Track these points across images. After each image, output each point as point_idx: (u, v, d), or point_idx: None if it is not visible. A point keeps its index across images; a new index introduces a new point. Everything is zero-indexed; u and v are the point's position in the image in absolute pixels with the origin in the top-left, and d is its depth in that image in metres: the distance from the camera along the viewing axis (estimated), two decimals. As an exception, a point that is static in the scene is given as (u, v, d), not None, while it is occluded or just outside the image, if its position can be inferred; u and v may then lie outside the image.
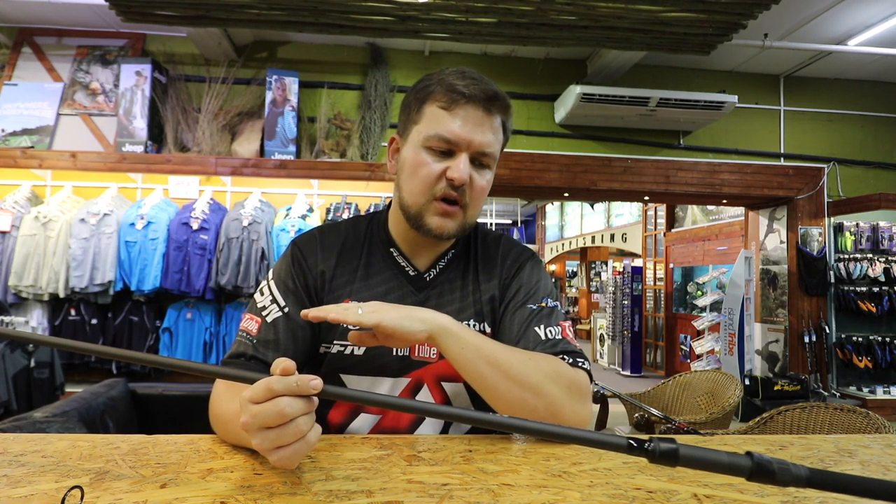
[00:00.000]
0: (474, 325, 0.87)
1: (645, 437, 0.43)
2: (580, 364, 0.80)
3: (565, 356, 0.80)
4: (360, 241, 0.92)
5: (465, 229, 0.85)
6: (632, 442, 0.43)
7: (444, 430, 0.84)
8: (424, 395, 0.84)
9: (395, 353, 0.84)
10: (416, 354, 0.85)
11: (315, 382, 0.50)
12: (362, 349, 0.84)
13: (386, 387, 0.84)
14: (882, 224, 5.07)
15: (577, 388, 0.75)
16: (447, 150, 0.80)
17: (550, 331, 0.83)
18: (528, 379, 0.71)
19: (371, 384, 0.84)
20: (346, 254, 0.90)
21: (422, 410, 0.50)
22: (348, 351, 0.84)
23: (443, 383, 0.85)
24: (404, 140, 0.87)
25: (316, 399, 0.51)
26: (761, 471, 0.39)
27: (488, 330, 0.88)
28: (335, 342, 0.85)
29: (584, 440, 0.45)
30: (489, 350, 0.71)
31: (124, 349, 0.54)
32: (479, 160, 0.82)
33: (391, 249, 0.91)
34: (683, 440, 0.46)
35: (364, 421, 0.84)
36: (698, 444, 0.42)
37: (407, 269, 0.89)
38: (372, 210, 2.54)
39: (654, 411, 2.13)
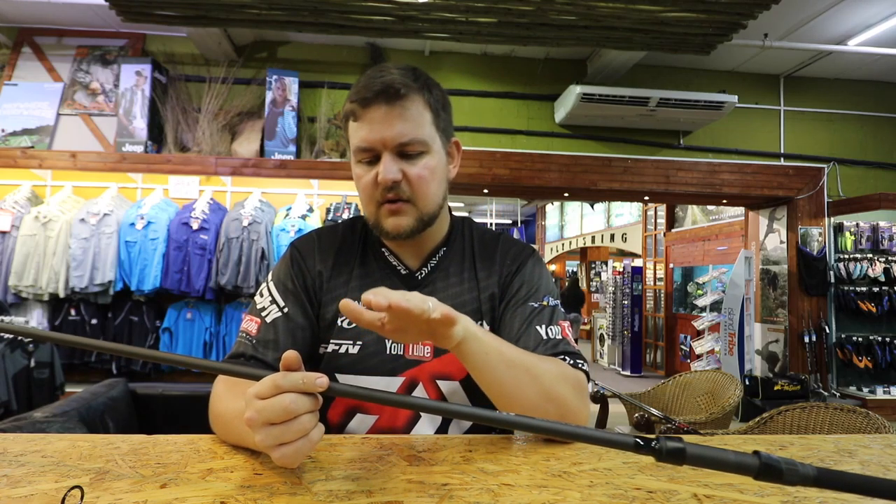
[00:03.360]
0: None
1: (652, 436, 0.43)
2: (579, 365, 0.80)
3: (566, 357, 0.80)
4: (355, 241, 0.93)
5: (424, 221, 0.84)
6: (638, 441, 0.43)
7: (442, 430, 0.84)
8: (420, 394, 0.84)
9: (388, 352, 0.84)
10: (410, 353, 0.85)
11: (321, 380, 0.50)
12: (356, 348, 0.84)
13: (380, 386, 0.83)
14: (882, 224, 5.07)
15: (580, 388, 0.76)
16: (371, 157, 0.81)
17: (552, 330, 0.83)
18: (542, 381, 0.71)
19: (365, 384, 0.84)
20: (342, 255, 0.90)
21: (431, 409, 0.50)
22: (342, 350, 0.84)
23: (438, 382, 0.85)
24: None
25: (321, 397, 0.52)
26: (769, 470, 0.39)
27: (487, 328, 0.87)
28: (331, 341, 0.85)
29: (592, 438, 0.45)
30: (508, 353, 0.70)
31: (131, 347, 0.54)
32: (404, 151, 0.81)
33: (383, 249, 0.91)
34: (686, 440, 0.46)
35: (361, 421, 0.84)
36: (703, 444, 0.42)
37: (399, 268, 0.90)
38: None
39: (654, 411, 2.13)
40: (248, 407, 0.50)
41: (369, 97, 0.79)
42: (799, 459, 0.63)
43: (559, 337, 0.82)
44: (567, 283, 10.20)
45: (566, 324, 0.86)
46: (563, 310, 0.89)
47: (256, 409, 0.49)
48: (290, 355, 0.52)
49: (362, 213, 0.89)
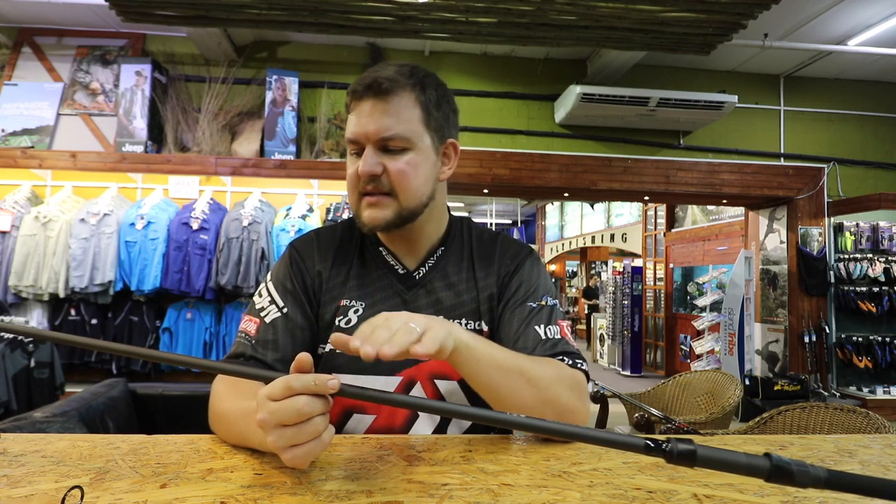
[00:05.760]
0: (468, 325, 0.87)
1: (662, 437, 0.43)
2: (578, 365, 0.80)
3: (564, 357, 0.80)
4: (353, 241, 0.92)
5: (404, 216, 0.84)
6: (649, 443, 0.43)
7: (440, 430, 0.84)
8: (418, 393, 0.84)
9: None
10: None
11: (333, 382, 0.50)
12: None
13: (378, 385, 0.83)
14: (882, 224, 5.07)
15: (578, 388, 0.76)
16: (359, 149, 0.83)
17: (550, 330, 0.83)
18: (537, 384, 0.71)
19: (363, 383, 0.83)
20: (340, 254, 0.90)
21: (438, 410, 0.50)
22: (340, 350, 0.84)
23: (436, 381, 0.84)
24: None
25: (331, 399, 0.52)
26: (780, 472, 0.39)
27: (485, 329, 0.87)
28: (330, 341, 0.85)
29: (601, 440, 0.45)
30: (501, 358, 0.70)
31: (144, 348, 0.54)
32: (387, 146, 0.82)
33: (380, 248, 0.91)
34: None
35: (359, 421, 0.83)
36: (709, 445, 0.42)
37: (396, 267, 0.89)
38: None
39: (654, 411, 2.13)
40: (261, 408, 0.50)
41: (359, 90, 0.81)
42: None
43: (558, 337, 0.82)
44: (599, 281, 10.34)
45: (565, 323, 0.86)
46: (561, 309, 0.89)
47: (269, 410, 0.49)
48: (303, 357, 0.52)
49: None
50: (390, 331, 0.54)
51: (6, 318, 2.89)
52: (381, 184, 0.81)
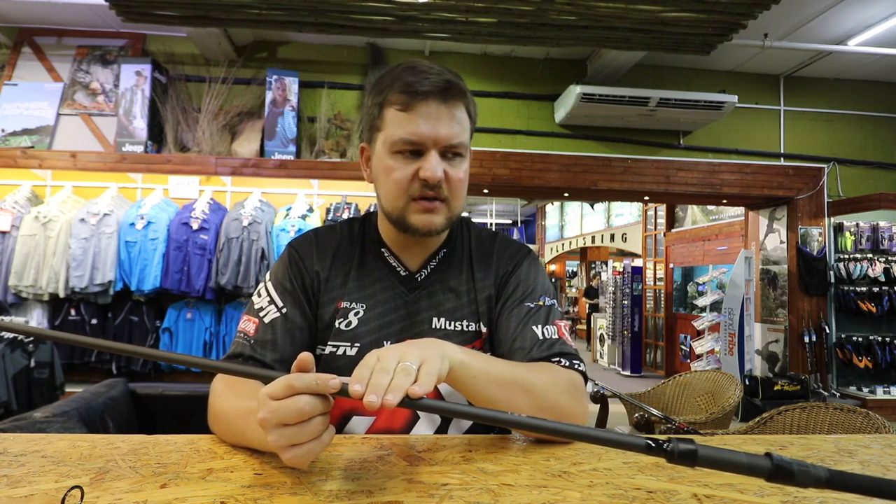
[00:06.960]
0: (469, 326, 0.87)
1: (663, 437, 0.43)
2: (576, 366, 0.80)
3: (561, 357, 0.80)
4: (353, 242, 0.92)
5: (451, 222, 0.84)
6: (650, 442, 0.42)
7: (441, 430, 0.84)
8: None
9: None
10: None
11: (334, 382, 0.50)
12: (353, 350, 0.83)
13: None
14: (882, 224, 5.07)
15: (575, 390, 0.76)
16: (415, 150, 0.79)
17: (548, 330, 0.83)
18: (534, 393, 0.71)
19: None
20: (340, 255, 0.90)
21: (440, 409, 0.50)
22: (340, 352, 0.84)
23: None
24: (372, 148, 0.85)
25: (332, 399, 0.52)
26: (781, 472, 0.39)
27: (484, 329, 0.87)
28: (328, 343, 0.84)
29: (602, 440, 0.45)
30: (496, 371, 0.70)
31: (144, 348, 0.54)
32: (449, 153, 0.80)
33: (382, 250, 0.90)
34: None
35: (359, 423, 0.83)
36: (709, 445, 0.42)
37: (398, 269, 0.89)
38: (372, 210, 2.54)
39: (654, 411, 2.12)
40: (262, 407, 0.50)
41: (427, 90, 0.77)
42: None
43: (555, 337, 0.82)
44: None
45: (563, 323, 0.86)
46: (559, 309, 0.89)
47: (270, 409, 0.49)
48: (304, 357, 0.52)
49: (384, 206, 0.85)
50: (388, 374, 0.51)
51: (6, 318, 2.89)
52: (441, 190, 0.80)
